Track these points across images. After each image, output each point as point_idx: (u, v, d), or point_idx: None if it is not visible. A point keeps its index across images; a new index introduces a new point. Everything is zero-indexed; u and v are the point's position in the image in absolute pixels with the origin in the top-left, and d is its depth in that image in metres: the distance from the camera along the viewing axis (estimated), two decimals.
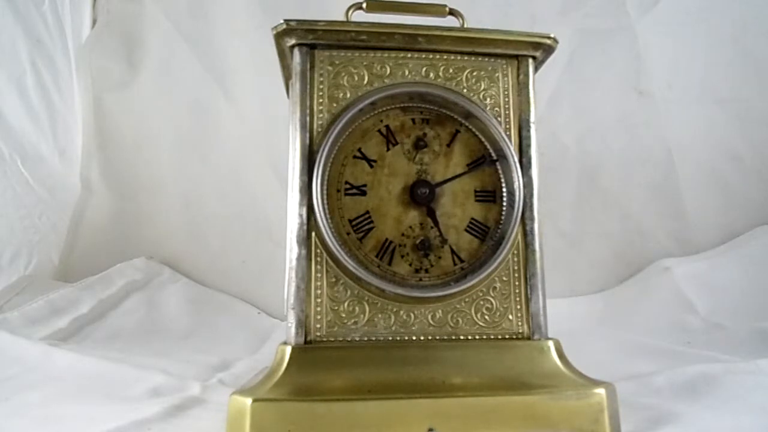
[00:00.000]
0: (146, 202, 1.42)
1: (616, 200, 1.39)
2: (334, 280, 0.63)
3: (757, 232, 1.34)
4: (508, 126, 0.68)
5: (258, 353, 1.05)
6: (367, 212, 0.66)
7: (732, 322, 1.11)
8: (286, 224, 0.65)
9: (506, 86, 0.69)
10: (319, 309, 0.62)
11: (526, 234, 0.67)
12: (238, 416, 0.56)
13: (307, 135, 0.64)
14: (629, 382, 0.76)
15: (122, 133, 1.42)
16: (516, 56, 0.69)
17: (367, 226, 0.65)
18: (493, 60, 0.69)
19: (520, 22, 1.33)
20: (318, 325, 0.62)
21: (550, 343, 0.64)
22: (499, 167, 0.68)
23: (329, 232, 0.62)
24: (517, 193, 0.66)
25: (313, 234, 0.63)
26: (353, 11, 0.72)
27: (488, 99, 0.68)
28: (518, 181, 0.66)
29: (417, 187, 0.66)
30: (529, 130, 0.68)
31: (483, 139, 0.68)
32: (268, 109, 1.36)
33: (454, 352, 0.63)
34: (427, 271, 0.66)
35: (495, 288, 0.65)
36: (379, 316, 0.63)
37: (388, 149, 0.67)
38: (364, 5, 0.73)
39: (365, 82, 0.66)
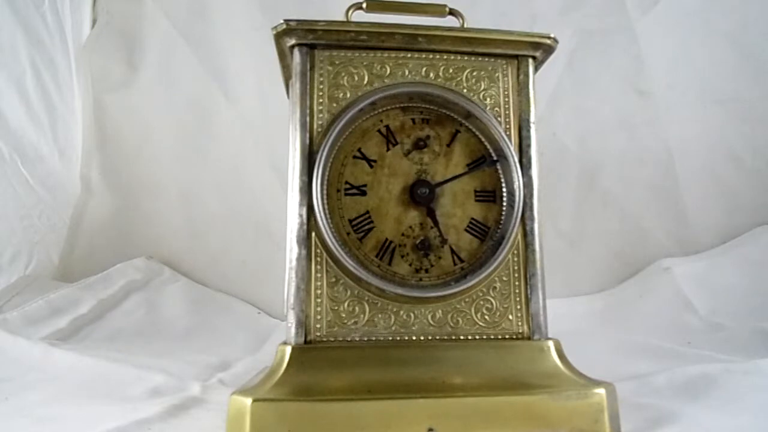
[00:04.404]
0: (146, 202, 1.42)
1: (616, 200, 1.39)
2: (334, 280, 0.63)
3: (757, 232, 1.33)
4: (508, 126, 0.68)
5: (258, 353, 1.05)
6: (367, 212, 0.66)
7: (732, 322, 1.11)
8: (286, 224, 0.65)
9: (506, 86, 0.69)
10: (319, 309, 0.62)
11: (526, 234, 0.67)
12: (238, 416, 0.56)
13: (307, 135, 0.64)
14: (629, 382, 0.76)
15: (122, 133, 1.41)
16: (516, 56, 0.69)
17: (367, 226, 0.65)
18: (493, 60, 0.69)
19: (520, 22, 1.33)
20: (318, 325, 0.62)
21: (550, 343, 0.64)
22: (499, 167, 0.68)
23: (329, 232, 0.62)
24: (517, 193, 0.66)
25: (313, 234, 0.63)
26: (353, 11, 0.72)
27: (488, 99, 0.68)
28: (518, 181, 0.66)
29: (417, 187, 0.66)
30: (529, 130, 0.68)
31: (483, 139, 0.68)
32: (268, 109, 1.36)
33: (454, 352, 0.63)
34: (427, 271, 0.66)
35: (495, 288, 0.65)
36: (379, 316, 0.63)
37: (388, 149, 0.67)
38: (364, 5, 0.73)
39: (365, 82, 0.66)
